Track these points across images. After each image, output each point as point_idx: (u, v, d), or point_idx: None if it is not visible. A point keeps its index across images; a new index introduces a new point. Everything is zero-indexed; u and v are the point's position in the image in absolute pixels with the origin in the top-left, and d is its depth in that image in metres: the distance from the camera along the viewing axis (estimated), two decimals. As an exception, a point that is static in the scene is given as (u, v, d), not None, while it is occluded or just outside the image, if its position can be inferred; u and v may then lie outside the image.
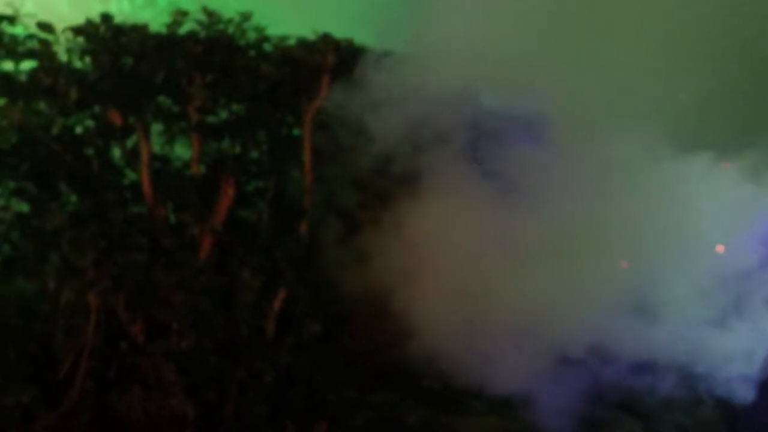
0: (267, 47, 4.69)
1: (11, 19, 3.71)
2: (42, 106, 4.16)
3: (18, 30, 4.04)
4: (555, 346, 3.75)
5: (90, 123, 4.32)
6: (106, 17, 4.27)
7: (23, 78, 4.07)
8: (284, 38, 4.77)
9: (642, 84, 3.93)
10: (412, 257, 4.38)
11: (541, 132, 4.47)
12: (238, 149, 4.57)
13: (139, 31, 4.32)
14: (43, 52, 3.94)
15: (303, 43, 4.77)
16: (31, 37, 3.88)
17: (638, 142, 3.92)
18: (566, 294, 3.67)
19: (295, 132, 4.68)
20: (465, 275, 4.04)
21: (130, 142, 4.40)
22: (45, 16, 4.28)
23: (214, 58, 4.41)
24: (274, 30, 4.85)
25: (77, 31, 4.18)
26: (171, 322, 4.10)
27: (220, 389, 4.08)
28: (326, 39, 4.80)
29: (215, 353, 4.09)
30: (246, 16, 4.66)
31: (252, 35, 4.66)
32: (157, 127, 4.53)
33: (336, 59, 4.71)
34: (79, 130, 4.29)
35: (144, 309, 4.11)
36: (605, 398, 4.14)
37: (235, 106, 4.61)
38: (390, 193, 4.60)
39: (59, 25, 4.19)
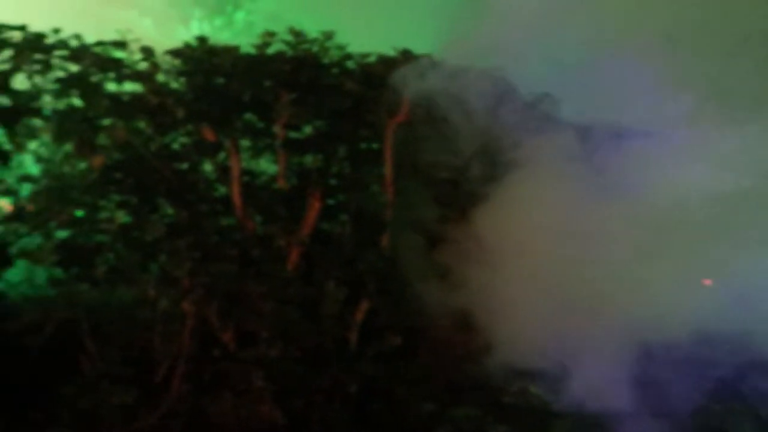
0: (350, 64, 4.86)
1: (122, 45, 3.98)
2: (142, 124, 4.44)
3: (121, 54, 4.33)
4: (656, 363, 3.71)
5: (185, 140, 4.58)
6: (202, 39, 4.52)
7: (126, 99, 4.36)
8: (366, 55, 4.94)
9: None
10: (493, 270, 4.43)
11: (624, 140, 4.47)
12: (322, 164, 4.75)
13: (231, 52, 4.56)
14: (148, 75, 4.20)
15: (384, 60, 4.93)
16: (138, 60, 4.15)
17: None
18: (671, 305, 3.61)
19: (377, 147, 4.83)
20: (551, 286, 4.04)
21: (221, 158, 4.64)
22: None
23: (300, 77, 4.60)
24: (355, 47, 5.04)
25: (175, 53, 4.44)
26: (260, 330, 4.28)
27: (306, 397, 4.23)
28: (406, 55, 4.94)
29: (302, 362, 4.24)
30: (329, 35, 4.85)
31: (335, 53, 4.84)
32: (245, 143, 4.77)
33: (416, 75, 4.85)
34: (175, 146, 4.57)
35: (235, 317, 4.31)
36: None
37: (319, 123, 4.80)
38: (470, 206, 4.68)
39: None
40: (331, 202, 4.79)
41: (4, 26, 3.70)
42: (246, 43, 5.15)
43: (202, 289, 4.23)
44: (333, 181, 4.81)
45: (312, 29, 4.89)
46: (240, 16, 13.48)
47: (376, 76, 4.82)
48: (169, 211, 4.40)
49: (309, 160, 4.78)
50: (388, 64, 4.83)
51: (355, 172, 4.87)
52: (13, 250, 3.99)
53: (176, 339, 4.22)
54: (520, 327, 4.21)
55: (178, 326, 4.23)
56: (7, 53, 3.69)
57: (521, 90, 4.97)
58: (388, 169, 4.85)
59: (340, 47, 4.89)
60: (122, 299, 4.26)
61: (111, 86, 4.35)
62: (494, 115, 4.75)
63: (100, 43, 4.00)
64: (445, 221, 4.71)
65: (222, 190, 4.64)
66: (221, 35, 14.17)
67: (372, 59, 4.90)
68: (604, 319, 3.86)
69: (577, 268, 4.07)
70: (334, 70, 4.77)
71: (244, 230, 4.47)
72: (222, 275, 4.26)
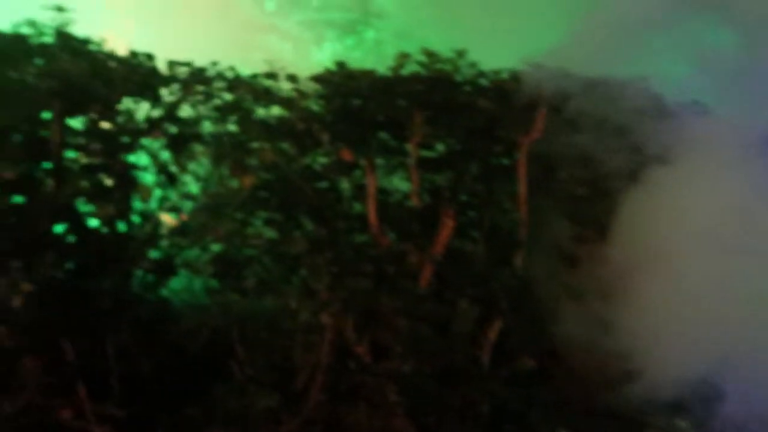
0: (483, 82, 4.87)
1: (272, 76, 4.32)
2: (287, 146, 4.76)
3: (269, 83, 4.68)
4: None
5: (325, 160, 4.85)
6: (341, 65, 4.77)
7: (273, 123, 4.70)
8: (498, 72, 4.92)
9: None
10: (635, 290, 4.19)
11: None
12: (454, 182, 4.80)
13: (367, 75, 4.75)
14: (292, 100, 4.51)
15: (516, 75, 4.88)
16: (284, 86, 4.47)
17: None
18: None
19: (510, 164, 4.78)
20: (702, 306, 3.75)
21: (357, 176, 4.85)
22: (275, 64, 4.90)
23: (434, 96, 4.68)
24: (484, 59, 5.04)
25: (317, 79, 4.73)
26: (394, 345, 4.38)
27: (438, 414, 4.26)
28: (539, 68, 4.85)
29: (434, 379, 4.29)
30: (461, 53, 4.89)
31: (468, 71, 4.87)
32: (380, 162, 4.93)
33: (550, 89, 4.75)
34: (315, 166, 4.84)
35: (370, 331, 4.46)
36: None
37: (452, 141, 4.85)
38: (610, 223, 4.47)
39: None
40: (463, 219, 4.81)
41: (174, 63, 4.15)
42: (376, 60, 5.30)
43: (339, 302, 4.42)
44: (466, 199, 4.82)
45: (440, 44, 4.95)
46: (370, 34, 13.97)
47: (509, 92, 4.79)
48: (310, 227, 4.66)
49: (442, 178, 4.84)
50: (520, 79, 4.78)
51: (489, 189, 4.85)
52: (177, 261, 4.44)
53: (315, 349, 4.43)
54: (666, 352, 3.94)
55: (317, 337, 4.45)
56: (176, 87, 4.14)
57: (666, 98, 4.69)
58: (521, 186, 4.78)
59: (473, 65, 4.91)
60: (268, 309, 4.57)
61: (260, 111, 4.72)
62: (637, 126, 4.52)
63: (253, 76, 4.36)
64: (583, 239, 4.54)
65: (358, 207, 4.84)
66: (352, 54, 14.75)
67: (504, 75, 4.87)
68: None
69: (734, 284, 3.74)
70: (467, 88, 4.80)
71: (378, 247, 4.61)
72: (358, 290, 4.42)
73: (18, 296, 3.44)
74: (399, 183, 5.03)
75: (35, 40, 3.87)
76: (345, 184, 4.88)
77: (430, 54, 4.71)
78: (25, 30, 3.81)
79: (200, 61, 4.44)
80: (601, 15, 4.52)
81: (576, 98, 4.58)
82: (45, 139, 3.77)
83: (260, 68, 4.57)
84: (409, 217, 4.68)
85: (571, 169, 4.53)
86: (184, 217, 4.56)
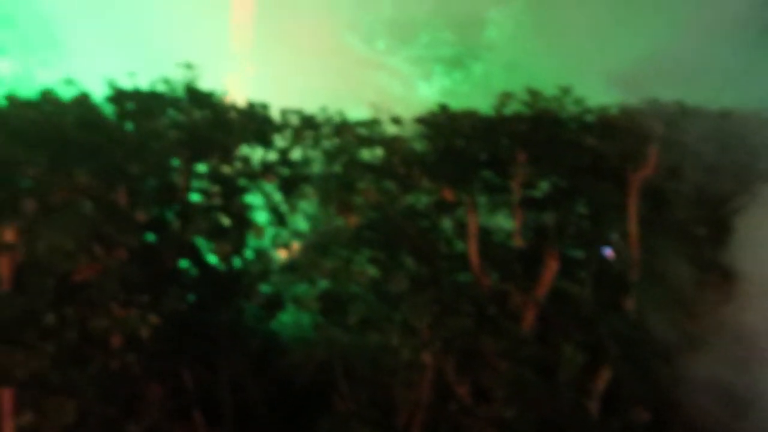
0: (589, 118, 4.74)
1: (376, 123, 4.50)
2: (390, 186, 4.89)
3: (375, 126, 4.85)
4: None
5: (426, 199, 4.92)
6: (444, 107, 4.86)
7: (377, 163, 4.86)
8: (606, 107, 4.77)
9: None
10: (759, 339, 3.83)
11: None
12: (560, 221, 4.67)
13: (469, 116, 4.80)
14: (396, 141, 4.66)
15: (626, 111, 4.70)
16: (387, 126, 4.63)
17: None
18: None
19: (620, 201, 4.57)
20: None
21: (459, 215, 4.87)
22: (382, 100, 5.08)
23: (537, 135, 4.61)
24: (594, 96, 4.90)
25: (420, 120, 4.85)
26: (496, 388, 4.30)
27: (542, 464, 4.09)
28: (652, 104, 4.65)
29: (538, 426, 4.13)
30: (566, 90, 4.80)
31: (573, 108, 4.77)
32: (482, 200, 4.92)
33: (663, 124, 4.52)
34: (417, 205, 4.93)
35: (471, 372, 4.40)
36: None
37: (556, 179, 4.74)
38: (729, 267, 4.13)
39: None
40: (569, 259, 4.65)
41: (286, 111, 4.46)
42: (485, 93, 5.30)
43: (440, 341, 4.42)
44: (572, 239, 4.67)
45: (548, 75, 4.88)
46: (478, 68, 14.01)
47: (618, 128, 4.61)
48: (412, 266, 4.73)
49: (547, 216, 4.73)
50: (631, 114, 4.59)
51: (597, 228, 4.67)
52: (286, 296, 4.69)
53: (416, 388, 4.46)
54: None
55: (417, 376, 4.47)
56: (288, 133, 4.44)
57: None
58: (632, 226, 4.56)
59: (578, 101, 4.79)
60: (371, 346, 4.67)
61: (365, 153, 4.92)
62: (762, 162, 4.18)
63: (359, 123, 4.57)
64: (702, 281, 4.22)
65: (460, 246, 4.84)
66: (460, 88, 14.86)
67: (613, 111, 4.71)
68: None
69: None
70: (572, 125, 4.69)
71: (480, 286, 4.58)
72: (459, 330, 4.40)
73: (146, 327, 3.80)
74: (503, 222, 4.98)
75: (168, 96, 4.32)
76: (447, 223, 4.91)
77: (534, 93, 4.67)
78: (160, 87, 4.27)
79: (314, 98, 4.73)
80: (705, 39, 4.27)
81: (692, 132, 4.33)
82: (173, 184, 4.18)
83: (370, 105, 4.77)
84: (512, 257, 4.60)
85: (688, 207, 4.26)
86: (295, 250, 4.81)
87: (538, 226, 4.72)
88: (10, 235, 3.85)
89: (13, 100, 4.16)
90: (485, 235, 4.82)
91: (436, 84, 13.70)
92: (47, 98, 4.15)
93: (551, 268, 4.39)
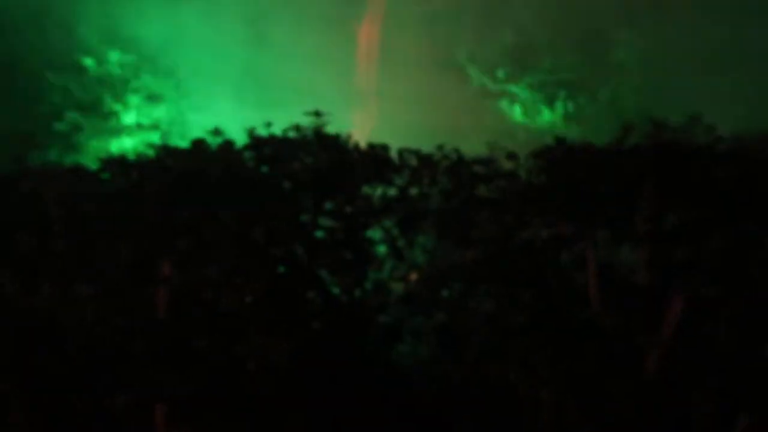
0: (721, 147, 4.50)
1: (489, 162, 4.64)
2: (508, 219, 4.95)
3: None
4: None
5: (544, 233, 4.91)
6: (561, 140, 4.87)
7: (494, 197, 4.96)
8: (740, 135, 4.50)
9: None
10: None
11: None
12: (690, 256, 4.44)
13: (588, 149, 4.77)
14: (512, 175, 4.74)
15: (761, 139, 4.41)
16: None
17: None
18: None
19: (761, 236, 4.26)
20: None
21: (578, 250, 4.79)
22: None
23: (664, 167, 4.46)
24: (727, 124, 4.64)
25: (536, 155, 4.89)
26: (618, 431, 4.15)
27: None
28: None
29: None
30: (696, 119, 4.60)
31: (703, 137, 4.55)
32: (604, 234, 4.81)
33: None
34: (535, 239, 4.93)
35: (594, 413, 4.29)
36: None
37: (686, 212, 4.53)
38: None
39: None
40: (702, 297, 4.40)
41: (404, 151, 4.73)
42: (611, 117, 5.17)
43: (559, 380, 4.37)
44: (705, 275, 4.42)
45: (679, 98, 4.68)
46: (604, 91, 13.50)
47: (756, 156, 4.34)
48: (530, 301, 4.73)
49: (676, 252, 4.52)
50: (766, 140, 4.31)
51: (734, 265, 4.38)
52: (404, 328, 4.89)
53: (533, 426, 4.43)
54: None
55: (534, 413, 4.44)
56: (406, 172, 4.70)
57: None
58: (775, 262, 4.23)
59: (710, 128, 4.59)
60: (486, 379, 4.71)
61: (482, 188, 5.04)
62: None
63: (475, 161, 4.72)
64: None
65: (580, 281, 4.76)
66: (586, 111, 14.42)
67: (747, 138, 4.44)
68: None
69: None
70: (702, 155, 4.48)
71: (600, 324, 4.47)
72: (579, 369, 4.33)
73: (283, 354, 4.18)
74: (627, 256, 4.83)
75: (299, 140, 4.77)
76: (566, 258, 4.86)
77: (657, 124, 4.54)
78: (292, 134, 4.73)
79: (435, 132, 4.93)
80: None
81: None
82: (303, 222, 4.59)
83: (487, 142, 4.90)
84: (635, 294, 4.45)
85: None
86: (412, 282, 5.02)
87: (665, 261, 4.53)
88: (167, 269, 4.45)
89: (169, 150, 4.84)
90: (607, 270, 4.70)
91: (559, 109, 13.44)
92: (198, 148, 4.77)
93: (676, 308, 4.19)
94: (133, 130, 12.03)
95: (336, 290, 4.73)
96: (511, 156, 4.82)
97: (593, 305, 4.51)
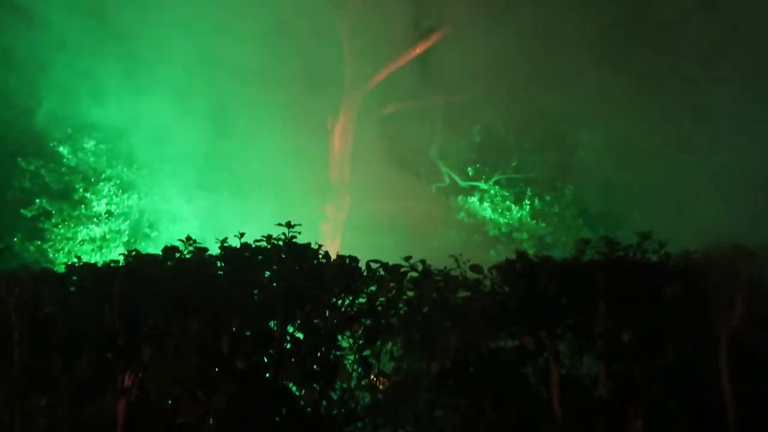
0: (671, 263, 4.79)
1: (452, 278, 4.85)
2: (472, 330, 5.10)
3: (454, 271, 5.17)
4: None
5: (507, 344, 5.06)
6: (522, 254, 5.12)
7: (457, 308, 5.12)
8: (689, 253, 4.81)
9: None
10: None
11: None
12: (643, 373, 4.62)
13: (547, 261, 5.01)
14: (476, 286, 4.94)
15: (708, 256, 4.72)
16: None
17: None
18: None
19: (711, 353, 4.48)
20: None
21: (541, 361, 4.94)
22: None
23: (616, 284, 4.72)
24: (675, 245, 4.97)
25: (498, 268, 5.12)
26: None
27: None
28: (739, 249, 4.65)
29: None
30: (645, 236, 4.93)
31: (653, 256, 4.86)
32: (564, 347, 4.99)
33: (748, 268, 4.49)
34: (498, 351, 5.07)
35: None
36: None
37: (638, 329, 4.75)
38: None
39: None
40: (660, 414, 4.54)
41: (371, 262, 4.92)
42: (577, 213, 5.43)
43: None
44: (659, 391, 4.59)
45: (639, 198, 4.98)
46: (569, 189, 14.23)
47: (702, 275, 4.63)
48: (493, 415, 4.80)
49: (630, 367, 4.70)
50: (712, 260, 4.62)
51: (686, 381, 4.56)
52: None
53: None
54: None
55: None
56: (373, 284, 4.87)
57: None
58: (726, 380, 4.43)
59: (661, 244, 4.90)
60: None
61: (446, 299, 5.21)
62: None
63: (439, 273, 4.93)
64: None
65: (544, 394, 4.87)
66: (552, 208, 15.05)
67: (696, 256, 4.75)
68: None
69: None
70: (654, 273, 4.76)
71: (564, 439, 4.54)
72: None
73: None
74: (589, 369, 4.98)
75: (270, 250, 4.94)
76: (530, 370, 4.99)
77: (610, 243, 4.84)
78: (263, 244, 4.91)
79: (408, 223, 5.11)
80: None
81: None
82: (270, 332, 4.67)
83: (462, 228, 5.10)
84: (597, 407, 4.57)
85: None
86: (381, 388, 5.06)
87: (623, 376, 4.69)
88: (128, 379, 4.44)
89: (140, 257, 4.94)
90: (570, 383, 4.84)
91: (527, 206, 13.99)
92: (169, 255, 4.89)
93: (637, 421, 4.32)
94: (102, 219, 12.06)
95: (302, 402, 4.75)
96: (475, 268, 5.04)
97: (557, 418, 4.61)
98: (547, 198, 14.58)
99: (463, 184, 14.69)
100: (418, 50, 8.39)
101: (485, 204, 14.73)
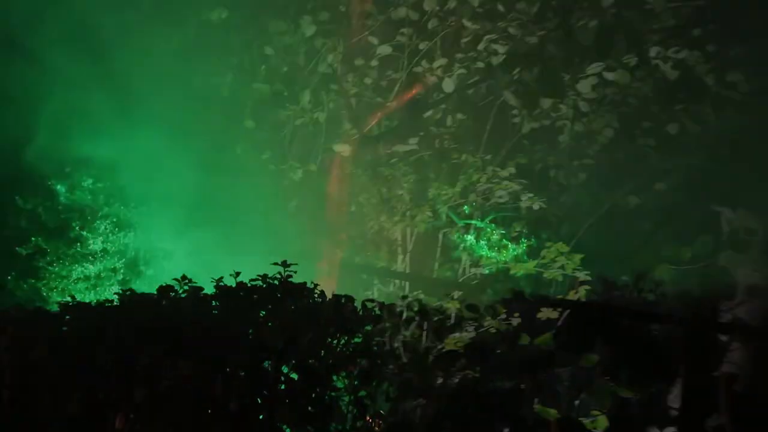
0: (664, 305, 4.82)
1: (446, 315, 4.85)
2: (467, 370, 5.06)
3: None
4: None
5: (504, 385, 5.02)
6: (518, 293, 5.16)
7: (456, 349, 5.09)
8: (686, 290, 4.85)
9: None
10: None
11: None
12: (642, 411, 4.58)
13: (544, 302, 5.05)
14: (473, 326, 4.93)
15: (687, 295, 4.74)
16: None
17: None
18: None
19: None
20: None
21: (537, 402, 4.89)
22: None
23: (610, 326, 4.74)
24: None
25: (493, 307, 5.13)
26: None
27: None
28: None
29: None
30: (642, 276, 4.97)
31: (649, 295, 4.89)
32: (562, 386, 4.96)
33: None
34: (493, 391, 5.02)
35: None
36: None
37: (629, 368, 4.74)
38: None
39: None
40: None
41: (367, 301, 4.93)
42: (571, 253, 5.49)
43: None
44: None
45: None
46: (564, 227, 14.29)
47: (694, 314, 4.65)
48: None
49: (627, 406, 4.67)
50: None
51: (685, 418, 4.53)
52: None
53: None
54: None
55: None
56: (369, 322, 4.85)
57: None
58: (725, 419, 4.40)
59: (657, 284, 4.94)
60: None
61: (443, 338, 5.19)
62: None
63: (435, 310, 4.93)
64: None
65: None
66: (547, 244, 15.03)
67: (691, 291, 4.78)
68: None
69: None
70: (645, 314, 4.79)
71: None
72: None
73: None
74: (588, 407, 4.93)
75: (266, 290, 4.93)
76: (527, 411, 4.94)
77: (606, 282, 4.88)
78: (258, 283, 4.91)
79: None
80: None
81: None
82: (265, 374, 4.62)
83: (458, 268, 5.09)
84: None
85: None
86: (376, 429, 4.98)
87: (620, 414, 4.65)
88: (119, 422, 4.37)
89: (134, 297, 4.92)
90: (568, 425, 4.79)
91: (523, 244, 13.98)
92: (164, 295, 4.88)
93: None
94: (97, 257, 11.99)
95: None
96: (471, 307, 5.05)
97: (554, 464, 4.54)
98: (543, 236, 14.58)
99: (459, 222, 14.75)
100: (414, 92, 8.52)
101: (482, 242, 14.74)
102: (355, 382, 4.81)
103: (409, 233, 6.46)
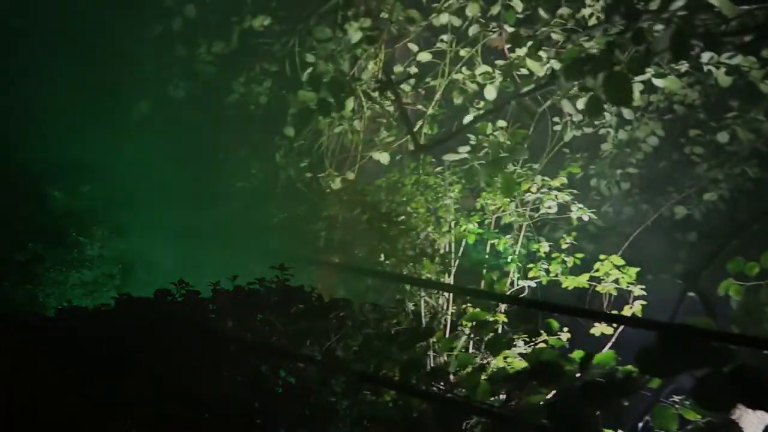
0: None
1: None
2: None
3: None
4: None
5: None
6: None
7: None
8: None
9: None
10: None
11: None
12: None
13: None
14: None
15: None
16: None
17: None
18: None
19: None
20: None
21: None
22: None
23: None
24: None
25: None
26: None
27: None
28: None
29: None
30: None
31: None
32: None
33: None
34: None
35: None
36: None
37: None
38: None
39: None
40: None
41: (363, 304, 4.89)
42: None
43: None
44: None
45: None
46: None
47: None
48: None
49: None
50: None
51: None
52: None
53: None
54: None
55: None
56: (366, 326, 4.82)
57: None
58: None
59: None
60: None
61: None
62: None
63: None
64: None
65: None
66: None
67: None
68: None
69: None
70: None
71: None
72: None
73: None
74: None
75: (262, 293, 4.90)
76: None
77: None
78: (255, 287, 4.88)
79: None
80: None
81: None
82: (262, 376, 4.58)
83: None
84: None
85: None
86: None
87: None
88: (117, 427, 4.32)
89: (131, 301, 4.89)
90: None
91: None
92: (161, 299, 4.84)
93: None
94: (95, 262, 11.93)
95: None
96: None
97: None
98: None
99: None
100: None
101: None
102: (353, 385, 4.78)
103: (454, 244, 6.38)
